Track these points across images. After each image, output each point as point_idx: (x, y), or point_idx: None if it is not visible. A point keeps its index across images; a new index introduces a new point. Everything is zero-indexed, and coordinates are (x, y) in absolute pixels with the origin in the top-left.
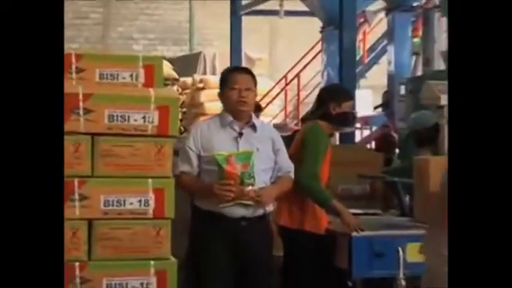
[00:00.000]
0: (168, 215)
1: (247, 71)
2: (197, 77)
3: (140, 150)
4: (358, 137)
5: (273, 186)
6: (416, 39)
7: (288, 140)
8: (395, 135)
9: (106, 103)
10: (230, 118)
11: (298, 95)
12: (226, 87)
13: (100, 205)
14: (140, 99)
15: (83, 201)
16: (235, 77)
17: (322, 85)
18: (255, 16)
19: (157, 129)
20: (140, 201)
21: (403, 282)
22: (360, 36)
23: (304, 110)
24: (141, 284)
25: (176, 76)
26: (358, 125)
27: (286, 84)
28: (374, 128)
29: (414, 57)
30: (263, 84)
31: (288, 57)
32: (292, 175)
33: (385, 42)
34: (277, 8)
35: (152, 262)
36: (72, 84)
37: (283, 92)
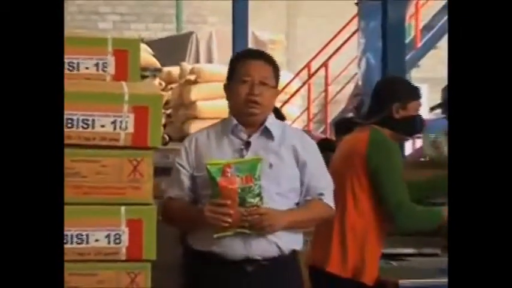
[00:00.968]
0: (147, 256)
1: (266, 58)
2: (187, 66)
3: (109, 167)
4: (408, 149)
5: (289, 210)
6: None
7: None
8: None
9: None
10: (234, 122)
11: (326, 91)
12: (234, 79)
13: None
14: (109, 97)
15: None
16: (248, 65)
17: (359, 77)
18: None
19: (133, 138)
20: (109, 236)
21: None
22: (411, 10)
23: (334, 111)
24: None
25: (158, 65)
26: None
27: (310, 77)
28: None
29: None
30: None
31: (311, 40)
32: (328, 199)
33: (445, 18)
34: None
35: None
36: None
37: (306, 86)
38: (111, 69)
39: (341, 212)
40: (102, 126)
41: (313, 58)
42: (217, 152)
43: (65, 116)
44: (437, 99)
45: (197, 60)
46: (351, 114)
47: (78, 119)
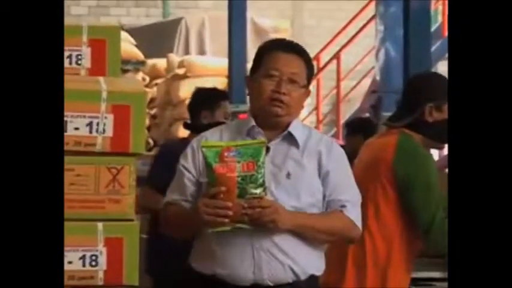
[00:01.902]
0: (128, 281)
1: (299, 52)
2: (175, 58)
3: (84, 176)
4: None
5: (299, 212)
6: None
7: None
8: None
9: None
10: (252, 123)
11: (337, 87)
12: (258, 72)
13: None
14: (84, 95)
15: None
16: (277, 57)
17: (376, 71)
18: None
19: (112, 142)
20: (84, 258)
21: None
22: None
23: (347, 110)
24: None
25: (142, 57)
26: None
27: (319, 70)
28: None
29: None
30: None
31: (320, 27)
32: (351, 213)
33: None
34: None
35: None
36: None
37: (314, 82)
38: (87, 62)
39: None
40: (76, 128)
41: (323, 49)
42: None
43: None
44: None
45: (187, 52)
46: (367, 114)
47: None
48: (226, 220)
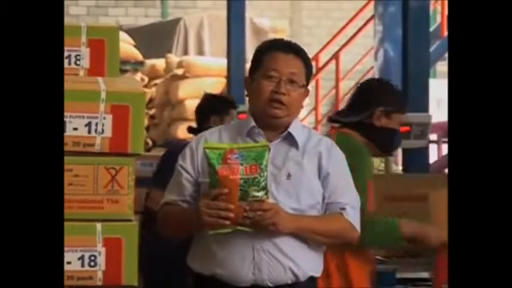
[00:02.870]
0: (127, 282)
1: (298, 52)
2: (174, 58)
3: (83, 176)
4: (433, 156)
5: (300, 215)
6: None
7: None
8: None
9: None
10: (252, 123)
11: (336, 87)
12: (257, 73)
13: None
14: (83, 95)
15: None
16: (276, 58)
17: (375, 71)
18: None
19: (110, 143)
20: (82, 258)
21: None
22: None
23: None
24: None
25: (140, 57)
26: (433, 136)
27: (318, 71)
28: None
29: None
30: None
31: (319, 27)
32: (350, 216)
33: None
34: None
35: None
36: None
37: (313, 82)
38: (85, 62)
39: None
40: (75, 129)
41: (322, 49)
42: None
43: None
44: None
45: (186, 52)
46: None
47: None
48: (227, 222)
